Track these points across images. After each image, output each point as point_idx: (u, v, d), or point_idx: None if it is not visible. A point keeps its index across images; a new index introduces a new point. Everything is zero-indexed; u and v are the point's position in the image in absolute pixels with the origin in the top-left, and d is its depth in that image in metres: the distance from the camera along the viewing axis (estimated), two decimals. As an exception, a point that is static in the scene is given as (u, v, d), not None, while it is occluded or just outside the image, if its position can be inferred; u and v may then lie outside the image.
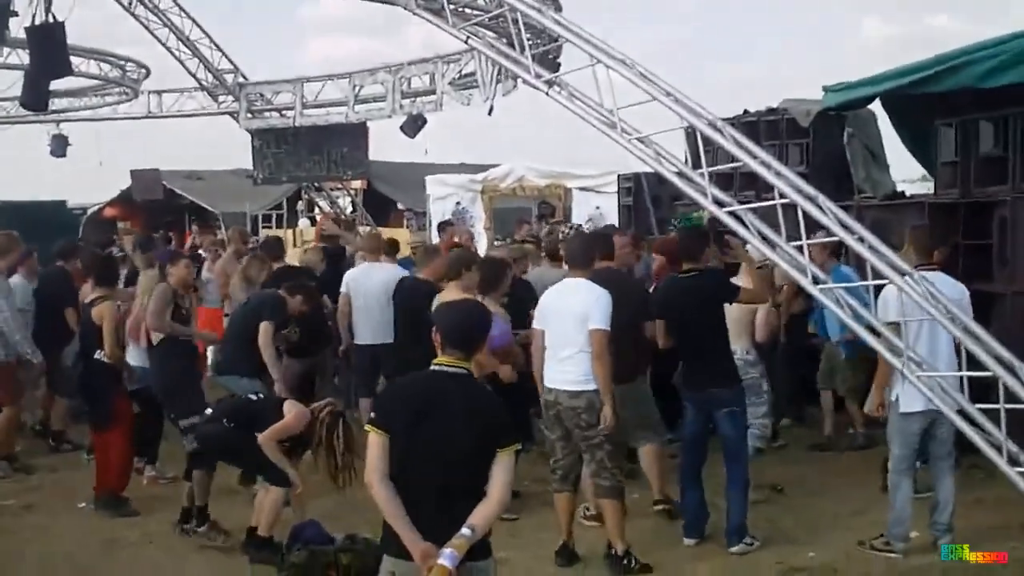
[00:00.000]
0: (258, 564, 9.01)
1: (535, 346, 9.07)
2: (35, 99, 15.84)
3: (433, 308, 9.00)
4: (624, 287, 9.67)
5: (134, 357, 10.98)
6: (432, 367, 5.42)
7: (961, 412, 7.95)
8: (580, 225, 19.54)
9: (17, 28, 13.42)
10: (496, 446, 5.23)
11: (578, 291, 8.71)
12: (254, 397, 9.44)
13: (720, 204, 9.19)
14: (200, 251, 18.09)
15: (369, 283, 12.59)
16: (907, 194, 15.10)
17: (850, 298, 8.52)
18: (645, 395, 10.19)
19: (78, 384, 11.55)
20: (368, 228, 27.93)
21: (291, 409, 8.95)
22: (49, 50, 13.42)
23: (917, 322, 8.26)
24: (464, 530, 5.05)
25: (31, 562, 9.40)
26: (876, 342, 8.28)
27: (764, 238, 8.88)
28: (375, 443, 5.28)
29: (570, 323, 8.58)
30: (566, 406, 8.62)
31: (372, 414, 5.44)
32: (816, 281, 8.65)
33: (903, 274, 8.18)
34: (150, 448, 11.69)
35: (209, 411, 9.30)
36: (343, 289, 12.89)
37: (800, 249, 8.64)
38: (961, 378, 8.11)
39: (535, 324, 9.09)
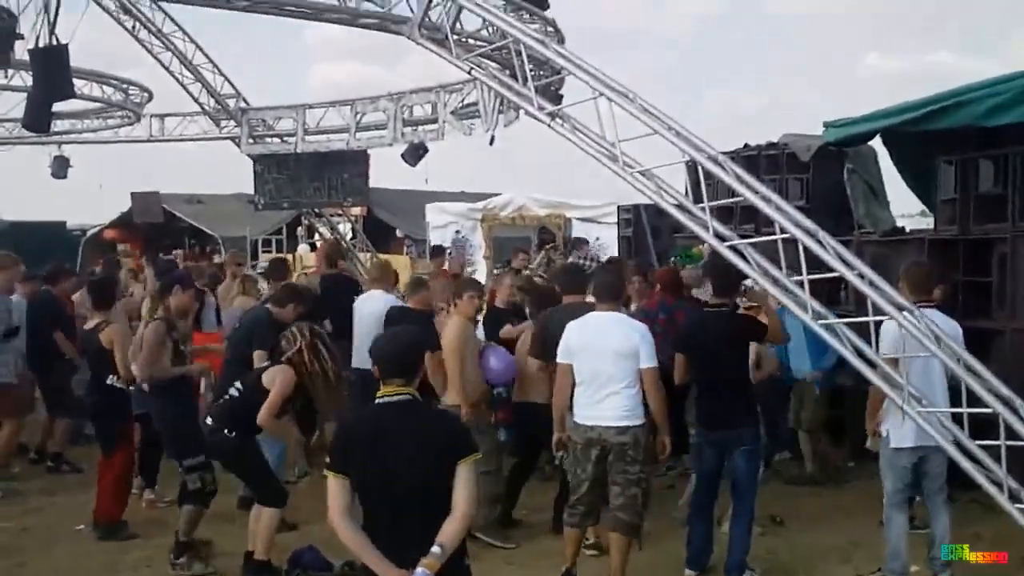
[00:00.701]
0: (257, 589, 9.04)
1: (561, 381, 8.97)
2: (37, 121, 15.80)
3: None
4: None
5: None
6: (376, 400, 5.50)
7: (961, 448, 7.99)
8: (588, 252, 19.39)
9: (21, 50, 13.41)
10: (455, 460, 5.28)
11: (616, 327, 8.70)
12: (236, 393, 9.26)
13: (721, 238, 9.22)
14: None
15: (364, 310, 12.65)
16: (906, 229, 15.13)
17: (851, 333, 8.54)
18: None
19: (91, 411, 11.47)
20: (368, 255, 28.00)
21: (272, 379, 8.95)
22: (52, 73, 13.39)
23: (912, 358, 8.31)
24: (434, 548, 5.12)
25: (29, 585, 9.42)
26: (876, 377, 8.29)
27: (765, 273, 8.92)
28: (334, 485, 5.37)
29: (610, 359, 8.55)
30: (614, 442, 8.55)
31: (328, 459, 5.51)
32: (817, 317, 8.65)
33: (903, 310, 8.21)
34: (150, 471, 11.70)
35: (209, 420, 9.25)
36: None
37: (801, 284, 8.67)
38: (961, 414, 8.12)
39: (560, 359, 8.93)
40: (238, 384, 9.32)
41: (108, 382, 10.63)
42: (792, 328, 10.10)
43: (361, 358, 12.37)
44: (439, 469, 5.26)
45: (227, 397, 9.27)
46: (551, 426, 9.14)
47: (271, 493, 9.23)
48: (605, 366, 8.54)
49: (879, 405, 8.75)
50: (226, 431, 9.02)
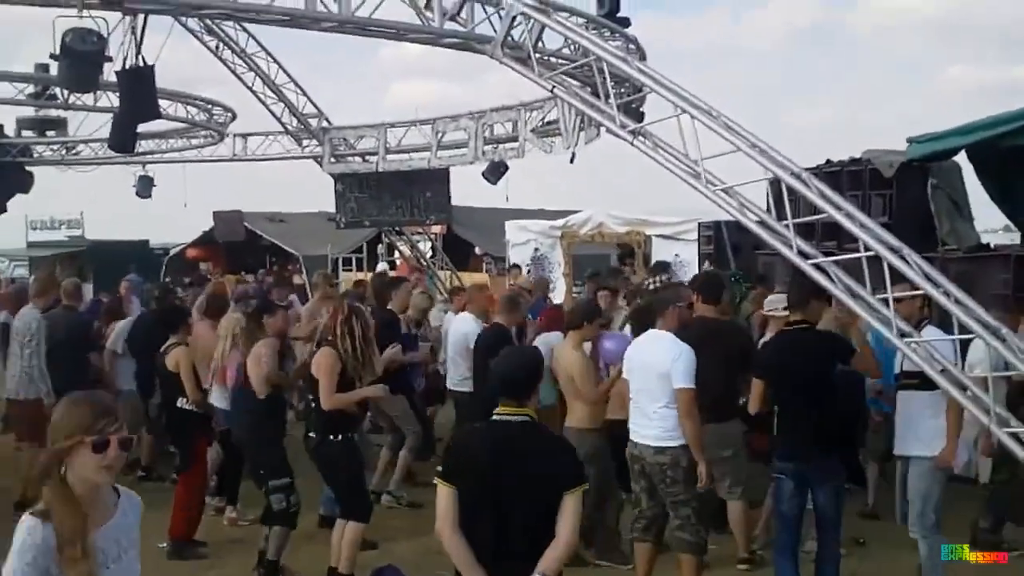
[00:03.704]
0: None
1: (626, 398, 9.03)
2: (123, 142, 16.00)
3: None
4: (722, 334, 9.65)
5: (219, 400, 11.06)
6: (494, 417, 5.53)
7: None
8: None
9: (107, 71, 13.57)
10: (565, 488, 5.29)
11: (660, 346, 8.63)
12: (312, 401, 9.31)
13: (804, 255, 9.16)
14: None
15: (453, 332, 12.82)
16: (991, 245, 14.97)
17: (937, 352, 8.43)
18: (736, 439, 9.84)
19: (166, 431, 11.78)
20: (447, 272, 28.10)
21: (317, 366, 9.07)
22: (139, 94, 13.53)
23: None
24: (536, 575, 5.13)
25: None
26: (963, 398, 8.17)
27: (848, 290, 8.85)
28: (443, 495, 5.39)
29: (653, 378, 8.52)
30: (651, 462, 8.56)
31: (439, 467, 5.53)
32: (902, 335, 8.55)
33: (989, 328, 8.12)
34: (231, 489, 11.80)
35: (312, 434, 9.26)
36: None
37: (885, 302, 8.58)
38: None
39: (624, 375, 9.07)
40: (310, 395, 9.39)
41: (179, 405, 10.79)
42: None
43: (452, 380, 12.57)
44: (549, 495, 5.28)
45: (312, 406, 9.30)
46: None
47: (359, 506, 9.26)
48: (649, 384, 8.55)
49: (960, 423, 8.48)
50: (331, 437, 9.09)
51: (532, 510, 5.28)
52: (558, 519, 5.26)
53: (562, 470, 5.38)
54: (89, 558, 3.97)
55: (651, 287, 13.11)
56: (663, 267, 17.64)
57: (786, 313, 9.95)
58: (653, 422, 8.52)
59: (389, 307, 12.65)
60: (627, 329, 10.80)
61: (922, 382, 8.53)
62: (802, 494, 8.51)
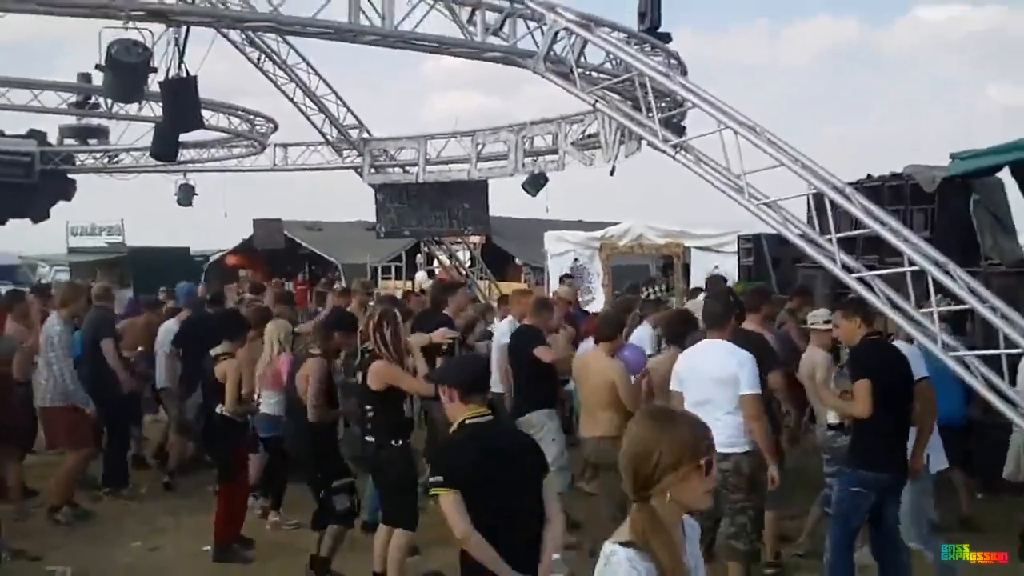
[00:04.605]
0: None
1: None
2: (166, 150, 16.23)
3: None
4: (748, 344, 9.62)
5: (269, 405, 11.19)
6: (470, 421, 5.71)
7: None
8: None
9: (151, 81, 13.71)
10: (543, 473, 5.68)
11: (719, 353, 8.61)
12: (371, 411, 9.28)
13: (848, 270, 9.18)
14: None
15: (499, 337, 12.79)
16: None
17: (983, 366, 8.41)
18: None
19: (201, 437, 11.80)
20: (486, 283, 28.16)
21: (377, 376, 9.05)
22: (182, 104, 13.68)
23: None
24: (555, 556, 5.43)
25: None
26: (1009, 410, 8.16)
27: (893, 304, 8.86)
28: (450, 502, 5.50)
29: (713, 386, 8.46)
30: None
31: (438, 478, 5.62)
32: (947, 349, 8.54)
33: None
34: (275, 493, 11.88)
35: (370, 438, 9.25)
36: None
37: (930, 316, 8.58)
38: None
39: (672, 386, 8.93)
40: (367, 406, 9.38)
41: (217, 411, 10.73)
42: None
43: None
44: (536, 480, 5.62)
45: (370, 414, 9.34)
46: None
47: (408, 513, 9.26)
48: (706, 393, 8.45)
49: (930, 431, 8.40)
50: (391, 442, 9.13)
51: (527, 499, 5.57)
52: (546, 502, 5.61)
53: (537, 456, 5.76)
54: None
55: (650, 297, 13.31)
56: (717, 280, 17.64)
57: (827, 327, 9.93)
58: (716, 429, 8.43)
59: (445, 312, 12.69)
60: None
61: None
62: (875, 504, 8.33)
